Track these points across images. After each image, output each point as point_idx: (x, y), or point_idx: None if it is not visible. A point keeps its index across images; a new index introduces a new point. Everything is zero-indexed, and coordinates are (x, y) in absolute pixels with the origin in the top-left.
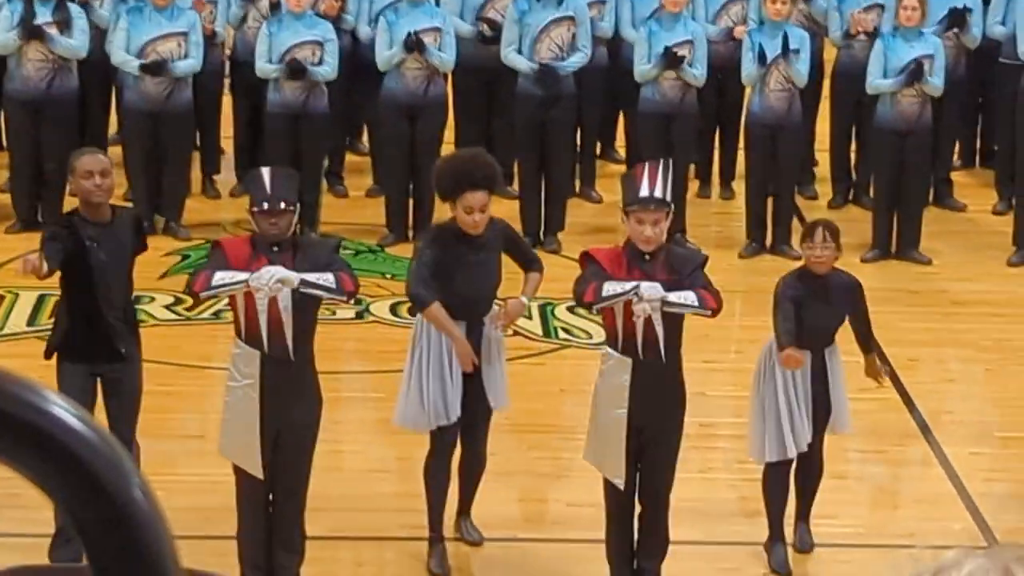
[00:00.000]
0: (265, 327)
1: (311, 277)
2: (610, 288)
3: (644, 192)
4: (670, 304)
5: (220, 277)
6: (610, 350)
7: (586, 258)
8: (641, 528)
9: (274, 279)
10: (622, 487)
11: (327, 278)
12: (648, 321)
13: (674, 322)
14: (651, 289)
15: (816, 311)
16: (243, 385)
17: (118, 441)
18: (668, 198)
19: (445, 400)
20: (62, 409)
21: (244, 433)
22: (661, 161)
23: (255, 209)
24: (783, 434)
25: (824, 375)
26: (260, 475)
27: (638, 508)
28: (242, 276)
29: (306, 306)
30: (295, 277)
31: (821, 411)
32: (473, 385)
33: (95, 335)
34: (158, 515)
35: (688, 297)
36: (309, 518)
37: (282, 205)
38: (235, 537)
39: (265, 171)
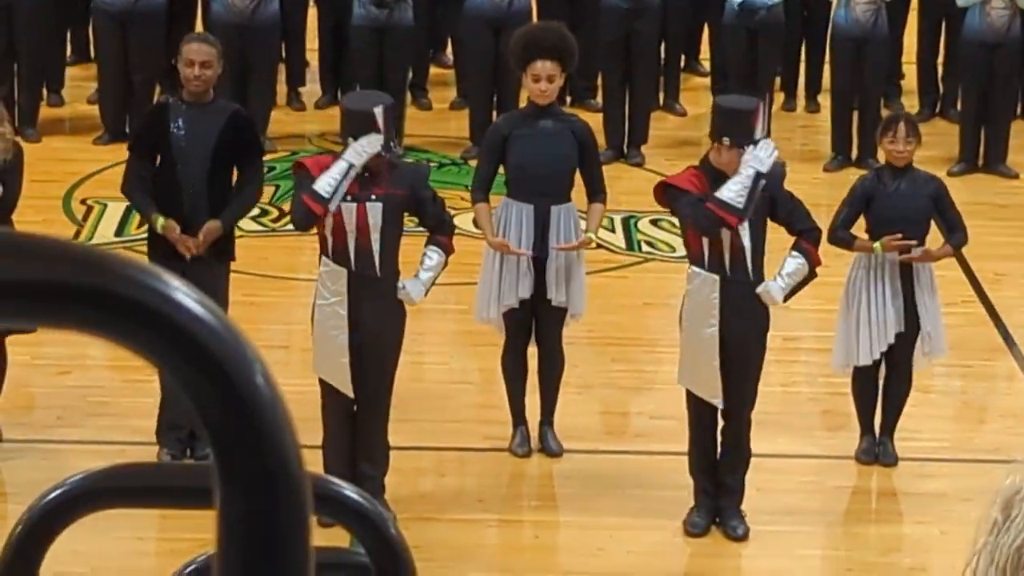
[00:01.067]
0: (353, 244)
1: (424, 274)
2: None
3: (756, 134)
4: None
5: (324, 184)
6: (696, 268)
7: (666, 189)
8: (724, 442)
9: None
10: (721, 406)
11: (432, 258)
12: (735, 237)
13: (759, 237)
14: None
15: (897, 206)
16: (331, 303)
17: (240, 329)
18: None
19: (517, 284)
20: (185, 295)
21: (334, 351)
22: (762, 99)
23: (380, 152)
24: (857, 340)
25: (911, 280)
26: (351, 393)
27: (721, 422)
28: (341, 164)
29: (393, 221)
30: (416, 295)
31: (910, 322)
32: (543, 283)
33: (178, 218)
34: (280, 402)
35: (797, 266)
36: (392, 429)
37: (393, 147)
38: (319, 447)
39: (378, 111)
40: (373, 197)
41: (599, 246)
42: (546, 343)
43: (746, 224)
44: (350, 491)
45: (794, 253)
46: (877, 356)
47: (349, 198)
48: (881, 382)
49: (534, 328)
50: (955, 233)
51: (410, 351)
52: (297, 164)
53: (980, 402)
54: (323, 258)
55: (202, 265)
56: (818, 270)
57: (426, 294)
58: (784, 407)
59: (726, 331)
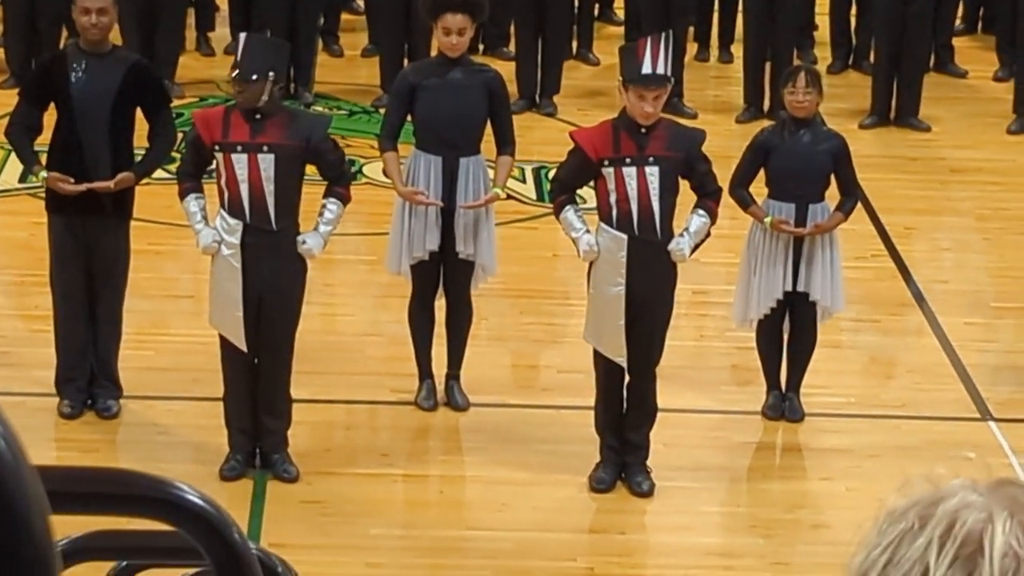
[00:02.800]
0: (247, 196)
1: (324, 227)
2: (569, 219)
3: (646, 68)
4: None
5: (195, 210)
6: (604, 226)
7: (573, 145)
8: (630, 398)
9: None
10: (624, 365)
11: (332, 210)
12: (644, 197)
13: (669, 200)
14: (586, 244)
15: (795, 159)
16: (226, 255)
17: None
18: (669, 73)
19: (425, 237)
20: None
21: (228, 304)
22: (663, 35)
23: (231, 80)
24: (753, 295)
25: (808, 237)
26: (243, 347)
27: (627, 378)
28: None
29: (290, 175)
30: (316, 248)
31: (809, 274)
32: (451, 235)
33: (75, 173)
34: (22, 466)
35: (698, 224)
36: (300, 381)
37: (255, 76)
38: (222, 399)
39: (243, 37)
40: (265, 148)
41: (509, 196)
42: (454, 296)
43: (656, 185)
44: (191, 495)
45: (699, 211)
46: (767, 311)
47: (240, 148)
48: (787, 337)
49: (442, 281)
50: (847, 198)
51: (319, 302)
52: (192, 125)
53: (888, 357)
54: (220, 210)
55: (101, 219)
56: (728, 223)
57: (325, 246)
58: (692, 361)
59: (633, 290)
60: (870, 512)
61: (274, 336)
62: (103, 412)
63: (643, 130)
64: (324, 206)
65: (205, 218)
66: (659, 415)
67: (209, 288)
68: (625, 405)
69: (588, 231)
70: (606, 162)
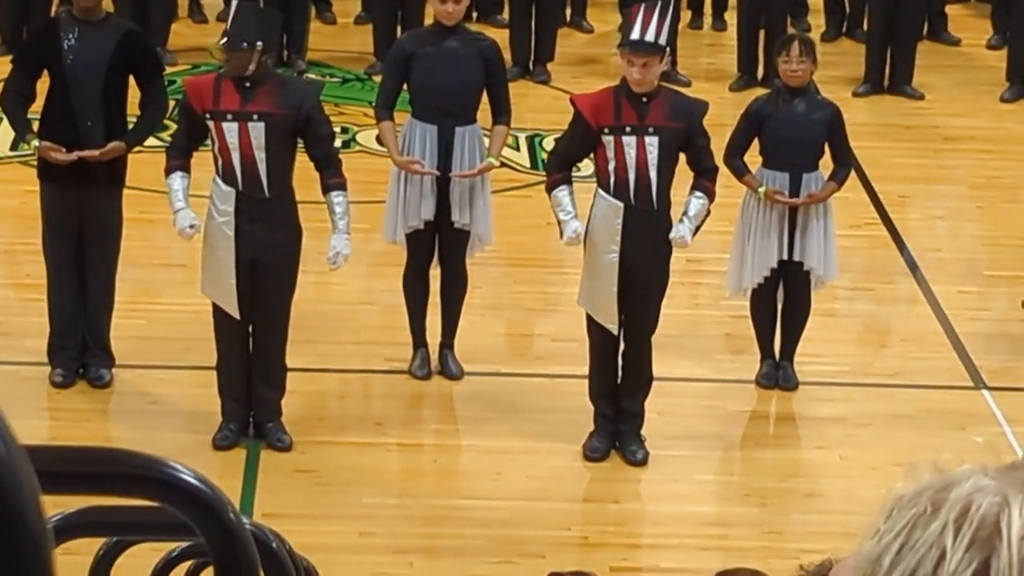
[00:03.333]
0: (238, 163)
1: (341, 222)
2: (560, 198)
3: (635, 35)
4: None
5: (177, 189)
6: (602, 192)
7: (574, 111)
8: (624, 366)
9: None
10: (615, 332)
11: (339, 203)
12: (642, 167)
13: (667, 170)
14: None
15: (790, 128)
16: (220, 223)
17: None
18: (662, 41)
19: (420, 206)
20: None
21: (221, 272)
22: (658, 2)
23: (221, 46)
24: (747, 264)
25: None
26: (236, 314)
27: (622, 346)
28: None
29: (281, 141)
30: (346, 250)
31: (804, 243)
32: (447, 204)
33: (67, 141)
34: (12, 449)
35: (697, 207)
36: (294, 350)
37: (244, 44)
38: (215, 368)
39: (234, 4)
40: (255, 116)
41: (503, 165)
42: (449, 265)
43: (655, 156)
44: (186, 474)
45: (697, 194)
46: (760, 280)
47: (230, 116)
48: (781, 306)
49: (437, 249)
50: (840, 168)
51: (313, 271)
52: (183, 94)
53: (882, 325)
54: (215, 176)
55: (94, 187)
56: (722, 191)
57: (350, 238)
58: (687, 330)
59: (628, 258)
60: (864, 481)
61: (269, 303)
62: (95, 381)
63: (644, 99)
64: (331, 201)
65: (186, 198)
66: (654, 384)
67: (202, 256)
68: (620, 373)
69: (576, 217)
70: (606, 130)
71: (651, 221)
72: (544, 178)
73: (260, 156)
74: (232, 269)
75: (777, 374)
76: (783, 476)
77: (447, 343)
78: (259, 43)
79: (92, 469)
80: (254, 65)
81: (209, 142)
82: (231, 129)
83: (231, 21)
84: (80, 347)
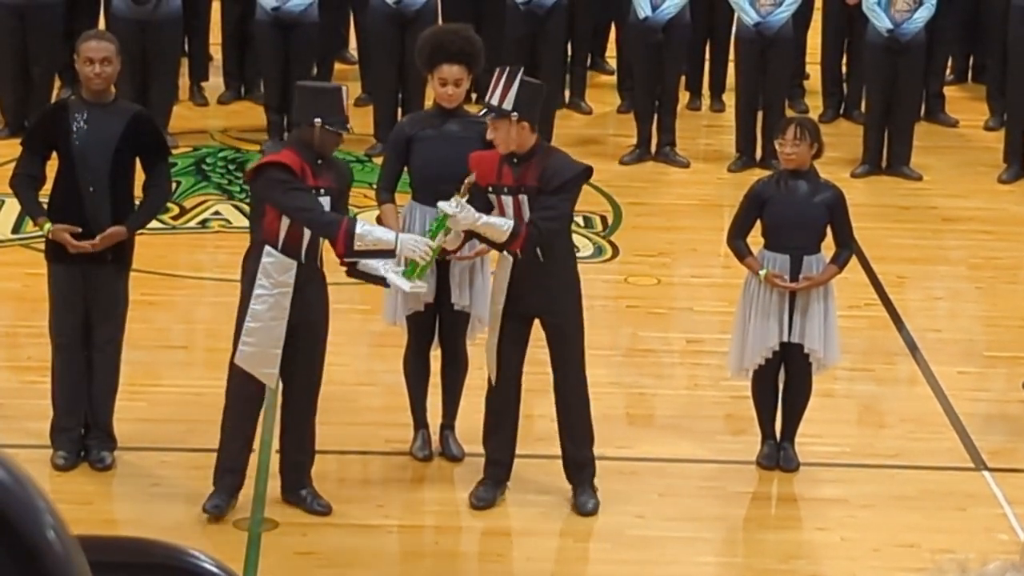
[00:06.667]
0: (307, 238)
1: (383, 268)
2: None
3: (486, 97)
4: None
5: (365, 233)
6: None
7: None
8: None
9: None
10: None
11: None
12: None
13: None
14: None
15: (791, 210)
16: (275, 294)
17: (30, 478)
18: (506, 106)
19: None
20: None
21: (269, 342)
22: (508, 69)
23: (331, 128)
24: (747, 345)
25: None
26: (274, 385)
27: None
28: (389, 237)
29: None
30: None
31: (804, 325)
32: (447, 286)
33: (74, 222)
34: (72, 554)
35: (496, 220)
36: None
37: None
38: (215, 451)
39: (344, 91)
40: (323, 191)
41: None
42: (449, 346)
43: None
44: (207, 563)
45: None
46: (761, 361)
47: (311, 191)
48: (782, 387)
49: (437, 331)
50: (842, 250)
51: None
52: (277, 164)
53: (882, 406)
54: (267, 248)
55: (101, 268)
56: (722, 272)
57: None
58: (687, 410)
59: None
60: (866, 562)
61: (308, 366)
62: (97, 463)
63: (515, 160)
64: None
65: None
66: (654, 465)
67: (246, 326)
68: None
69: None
70: (490, 189)
71: (541, 269)
72: None
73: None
74: (282, 339)
75: (778, 455)
76: (785, 558)
77: (448, 424)
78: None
79: (118, 558)
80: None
81: (256, 217)
82: None
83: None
84: (82, 429)
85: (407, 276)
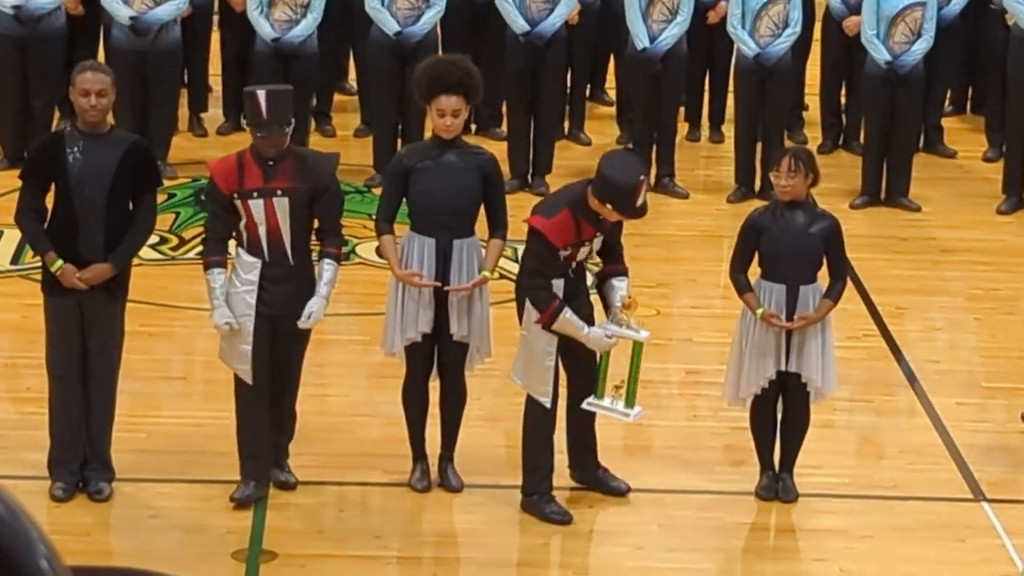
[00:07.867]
0: (265, 237)
1: (324, 288)
2: (568, 320)
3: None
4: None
5: (215, 287)
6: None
7: (534, 233)
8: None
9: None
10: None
11: (329, 270)
12: (273, 231)
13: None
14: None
15: (786, 241)
16: (241, 291)
17: (23, 508)
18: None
19: (417, 317)
20: None
21: (237, 338)
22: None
23: (253, 132)
24: (740, 374)
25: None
26: (251, 380)
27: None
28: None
29: (301, 214)
30: (321, 312)
31: (802, 355)
32: (445, 317)
33: (68, 253)
34: None
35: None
36: (293, 463)
37: (286, 129)
38: (211, 482)
39: (261, 93)
40: (279, 192)
41: (501, 276)
42: (448, 377)
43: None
44: None
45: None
46: (757, 390)
47: (256, 193)
48: (780, 418)
49: (436, 361)
50: (835, 283)
51: (312, 383)
52: (209, 179)
53: (881, 437)
54: (238, 248)
55: (97, 299)
56: (721, 303)
57: (327, 306)
58: (685, 441)
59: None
60: None
61: (288, 357)
62: (95, 495)
63: (601, 218)
64: (321, 267)
65: (223, 295)
66: (653, 496)
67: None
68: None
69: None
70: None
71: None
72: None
73: (285, 229)
74: (249, 336)
75: (777, 486)
76: None
77: (447, 455)
78: (291, 123)
79: None
80: (285, 145)
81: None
82: (258, 206)
83: (267, 108)
84: (80, 461)
85: (628, 406)
